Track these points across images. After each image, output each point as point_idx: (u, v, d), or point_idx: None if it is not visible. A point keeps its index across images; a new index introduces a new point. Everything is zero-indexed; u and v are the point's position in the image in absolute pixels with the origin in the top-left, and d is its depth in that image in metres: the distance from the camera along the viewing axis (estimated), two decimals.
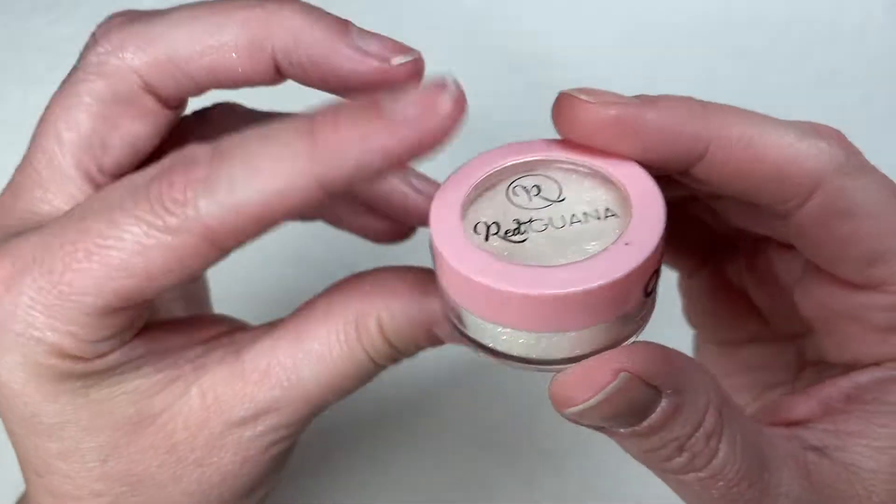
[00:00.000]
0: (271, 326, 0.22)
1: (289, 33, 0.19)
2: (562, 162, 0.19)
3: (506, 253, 0.18)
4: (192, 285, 0.27)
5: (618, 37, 0.41)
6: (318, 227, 0.39)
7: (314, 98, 0.19)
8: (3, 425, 0.21)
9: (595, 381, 0.17)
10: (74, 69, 0.21)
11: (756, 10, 0.41)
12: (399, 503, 0.38)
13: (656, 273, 0.18)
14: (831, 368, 0.22)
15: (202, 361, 0.21)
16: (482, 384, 0.39)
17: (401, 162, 0.17)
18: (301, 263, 0.38)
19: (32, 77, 0.37)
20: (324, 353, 0.21)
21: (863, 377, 0.21)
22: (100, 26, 0.21)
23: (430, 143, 0.17)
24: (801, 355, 0.24)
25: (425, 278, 0.21)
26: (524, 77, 0.39)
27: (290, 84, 0.21)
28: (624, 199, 0.18)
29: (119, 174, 0.21)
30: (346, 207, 0.26)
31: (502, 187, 0.19)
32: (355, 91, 0.20)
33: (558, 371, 0.18)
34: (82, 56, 0.21)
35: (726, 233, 0.26)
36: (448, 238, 0.18)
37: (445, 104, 0.17)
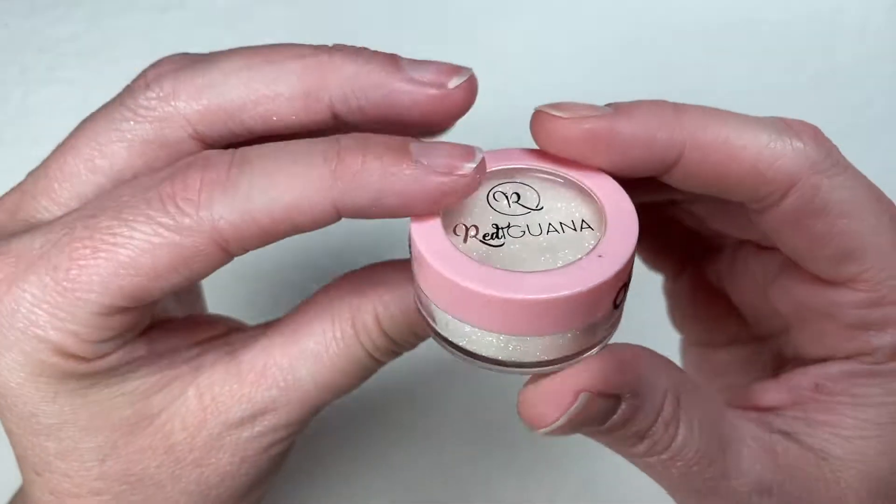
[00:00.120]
0: (267, 326, 0.22)
1: (345, 81, 0.19)
2: (541, 171, 0.20)
3: (483, 256, 0.18)
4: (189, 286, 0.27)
5: (618, 37, 0.41)
6: (319, 231, 0.39)
7: None
8: (2, 424, 0.21)
9: (558, 403, 0.18)
10: (118, 105, 0.21)
11: (756, 10, 0.41)
12: (399, 503, 0.38)
13: (625, 286, 0.18)
14: (808, 364, 0.23)
15: (199, 362, 0.21)
16: (481, 384, 0.39)
17: (414, 208, 0.18)
18: (299, 262, 0.38)
19: (32, 77, 0.37)
20: (320, 352, 0.21)
21: (832, 368, 0.21)
22: (152, 68, 0.21)
23: (444, 198, 0.18)
24: (780, 353, 0.25)
25: None
26: (524, 77, 0.39)
27: None
28: (599, 211, 0.19)
29: None
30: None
31: (483, 192, 0.19)
32: (418, 122, 0.20)
33: (525, 374, 0.18)
34: (130, 94, 0.21)
35: (707, 235, 0.26)
36: (427, 236, 0.18)
37: (468, 169, 0.18)
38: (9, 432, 0.21)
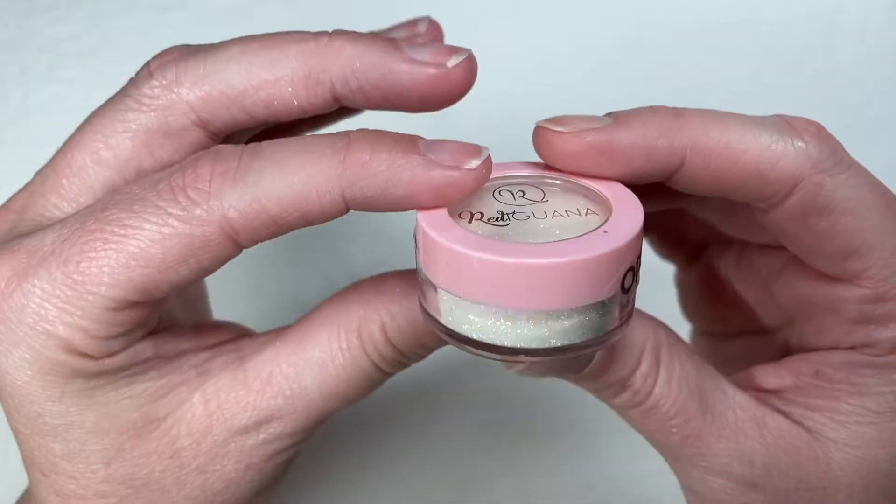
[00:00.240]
0: (275, 334, 0.22)
1: (345, 62, 0.20)
2: (546, 177, 0.20)
3: (487, 233, 0.18)
4: (193, 289, 0.27)
5: (618, 37, 0.41)
6: (319, 230, 0.39)
7: None
8: (9, 424, 0.21)
9: None
10: (123, 96, 0.21)
11: (756, 10, 0.41)
12: (399, 503, 0.38)
13: (633, 272, 0.18)
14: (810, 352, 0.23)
15: (206, 367, 0.21)
16: (482, 384, 0.39)
17: (420, 199, 0.18)
18: (301, 266, 0.38)
19: (32, 77, 0.37)
20: (325, 361, 0.21)
21: (834, 357, 0.22)
22: (155, 59, 0.21)
23: (450, 190, 0.18)
24: (786, 344, 0.25)
25: None
26: (524, 77, 0.39)
27: None
28: (604, 202, 0.19)
29: None
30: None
31: (489, 190, 0.20)
32: (419, 103, 0.20)
33: (534, 363, 0.19)
34: (134, 85, 0.21)
35: (718, 226, 0.26)
36: (432, 219, 0.18)
37: (475, 163, 0.18)
38: (16, 432, 0.21)
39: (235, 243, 0.18)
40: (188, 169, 0.18)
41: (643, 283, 0.21)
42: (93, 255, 0.18)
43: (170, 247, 0.18)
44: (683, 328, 0.29)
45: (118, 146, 0.21)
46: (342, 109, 0.25)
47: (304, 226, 0.18)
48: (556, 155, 0.19)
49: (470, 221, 0.19)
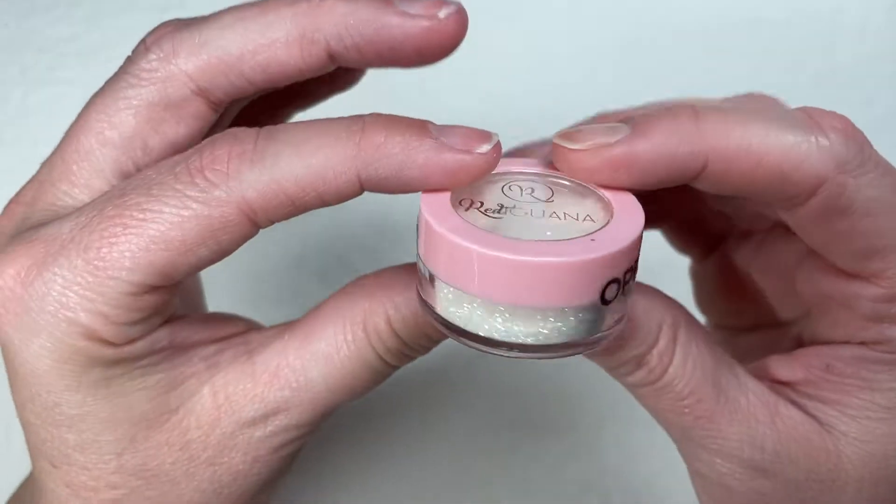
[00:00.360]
0: (283, 328, 0.22)
1: (339, 20, 0.20)
2: (560, 178, 0.20)
3: (480, 223, 0.18)
4: (190, 281, 0.27)
5: (618, 37, 0.41)
6: (318, 228, 0.39)
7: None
8: (18, 415, 0.21)
9: None
10: (122, 74, 0.21)
11: (756, 10, 0.41)
12: (399, 502, 0.38)
13: (618, 284, 0.18)
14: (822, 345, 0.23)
15: (215, 360, 0.21)
16: (482, 384, 0.39)
17: (432, 181, 0.19)
18: (300, 266, 0.38)
19: (32, 77, 0.37)
20: (331, 354, 0.21)
21: (845, 351, 0.22)
22: (150, 34, 0.21)
23: (462, 173, 0.19)
24: (800, 338, 0.25)
25: None
26: (524, 77, 0.39)
27: None
28: (609, 212, 0.19)
29: None
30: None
31: (500, 183, 0.20)
32: (412, 56, 0.20)
33: (514, 358, 0.18)
34: (131, 62, 0.21)
35: (736, 220, 0.26)
36: (432, 203, 0.19)
37: (485, 147, 0.19)
38: (26, 423, 0.21)
39: (253, 223, 0.19)
40: (205, 151, 0.19)
41: (657, 276, 0.21)
42: (113, 240, 0.18)
43: (189, 229, 0.18)
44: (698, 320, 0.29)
45: (122, 124, 0.21)
46: (333, 85, 0.25)
47: (319, 206, 0.19)
48: (575, 171, 0.19)
49: (467, 209, 0.19)
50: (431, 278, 0.19)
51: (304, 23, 0.20)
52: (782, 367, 0.22)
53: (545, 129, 0.22)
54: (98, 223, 0.19)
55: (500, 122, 0.35)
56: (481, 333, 0.18)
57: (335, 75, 0.24)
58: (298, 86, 0.24)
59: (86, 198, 0.21)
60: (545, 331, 0.18)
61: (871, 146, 0.19)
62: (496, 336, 0.18)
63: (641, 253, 0.19)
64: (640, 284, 0.21)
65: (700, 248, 0.28)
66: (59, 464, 0.21)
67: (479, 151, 0.19)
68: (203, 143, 0.19)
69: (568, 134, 0.19)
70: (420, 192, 0.19)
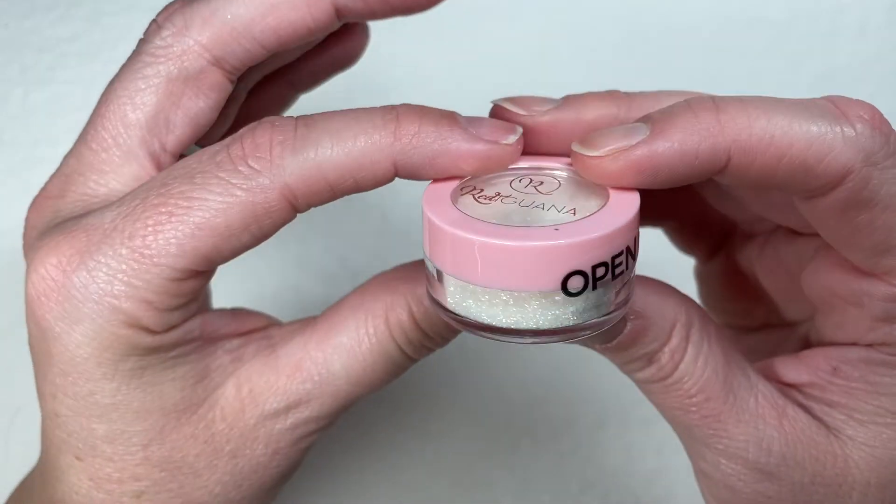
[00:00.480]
0: (304, 323, 0.23)
1: None
2: (572, 173, 0.21)
3: (463, 206, 0.19)
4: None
5: (618, 36, 0.41)
6: (318, 228, 0.39)
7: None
8: (48, 407, 0.21)
9: None
10: (137, 55, 0.22)
11: (756, 10, 0.41)
12: (399, 503, 0.38)
13: (582, 276, 0.18)
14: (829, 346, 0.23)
15: (239, 353, 0.22)
16: (482, 384, 0.39)
17: (463, 169, 0.19)
18: (301, 266, 0.38)
19: (32, 77, 0.37)
20: (353, 347, 0.22)
21: (852, 353, 0.21)
22: (160, 14, 0.22)
23: (491, 161, 0.19)
24: (806, 338, 0.25)
25: None
26: (524, 77, 0.39)
27: None
28: (600, 207, 0.19)
29: (180, 151, 0.22)
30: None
31: (507, 176, 0.21)
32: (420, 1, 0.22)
33: (508, 342, 0.19)
34: (145, 41, 0.22)
35: (740, 220, 0.26)
36: (435, 191, 0.19)
37: (511, 139, 0.20)
38: (54, 416, 0.21)
39: (294, 208, 0.19)
40: (246, 139, 0.19)
41: (662, 277, 0.21)
42: (159, 227, 0.19)
43: (234, 215, 0.19)
44: None
45: (144, 104, 0.21)
46: (336, 61, 0.26)
47: (355, 191, 0.19)
48: (597, 177, 0.19)
49: (460, 193, 0.20)
50: (433, 271, 0.19)
51: None
52: (788, 369, 0.22)
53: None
54: (142, 211, 0.19)
55: None
56: (484, 321, 0.18)
57: (338, 41, 0.25)
58: (301, 66, 0.25)
59: (118, 185, 0.21)
60: (534, 317, 0.18)
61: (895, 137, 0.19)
62: (485, 320, 0.18)
63: (646, 253, 0.19)
64: (655, 281, 0.21)
65: (704, 249, 0.28)
66: (84, 456, 0.21)
67: (505, 142, 0.19)
68: (242, 131, 0.20)
69: (586, 140, 0.19)
70: (425, 187, 0.20)
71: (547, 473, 0.38)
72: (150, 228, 0.19)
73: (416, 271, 0.22)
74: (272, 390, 0.21)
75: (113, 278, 0.19)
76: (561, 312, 0.18)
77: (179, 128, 0.22)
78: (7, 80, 0.37)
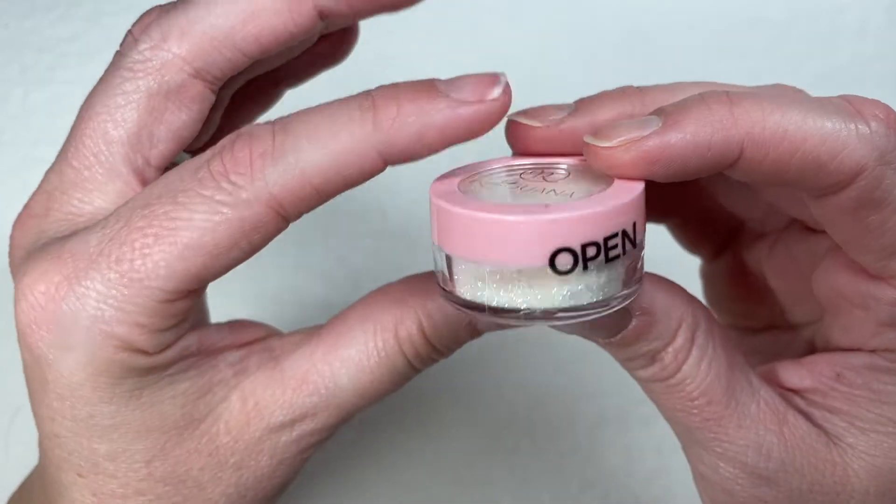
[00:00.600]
0: (307, 334, 0.22)
1: None
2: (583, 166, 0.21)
3: (463, 187, 0.19)
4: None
5: (618, 36, 0.41)
6: (319, 231, 0.39)
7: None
8: (45, 428, 0.20)
9: None
10: (114, 69, 0.21)
11: (756, 10, 0.41)
12: (399, 503, 0.38)
13: (571, 253, 0.17)
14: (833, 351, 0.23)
15: (242, 366, 0.21)
16: (482, 384, 0.39)
17: (453, 139, 0.19)
18: (301, 267, 0.38)
19: (32, 77, 0.37)
20: (361, 361, 0.21)
21: (855, 359, 0.21)
22: (135, 25, 0.21)
23: (481, 123, 0.18)
24: (811, 342, 0.25)
25: None
26: (524, 77, 0.39)
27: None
28: (599, 193, 0.19)
29: (165, 164, 0.22)
30: None
31: (517, 170, 0.21)
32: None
33: (516, 326, 0.19)
34: (122, 55, 0.21)
35: (749, 219, 0.26)
36: (441, 183, 0.19)
37: (496, 91, 0.19)
38: (52, 437, 0.20)
39: (283, 218, 0.19)
40: (225, 154, 0.19)
41: (666, 276, 0.21)
42: (146, 251, 0.18)
43: (221, 233, 0.18)
44: None
45: (125, 121, 0.21)
46: (324, 59, 0.26)
47: (346, 189, 0.19)
48: (609, 168, 0.19)
49: (470, 182, 0.19)
50: (443, 258, 0.19)
51: None
52: (791, 373, 0.22)
53: None
54: (127, 234, 0.19)
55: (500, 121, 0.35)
56: (496, 304, 0.18)
57: (326, 44, 0.24)
58: (288, 63, 0.24)
59: (103, 203, 0.21)
60: (546, 295, 0.18)
61: None
62: (495, 303, 0.18)
63: (652, 251, 0.19)
64: (663, 279, 0.21)
65: (710, 248, 0.28)
66: (86, 473, 0.21)
67: (491, 98, 0.18)
68: (221, 143, 0.19)
69: (598, 132, 0.19)
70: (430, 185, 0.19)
71: (547, 473, 0.38)
72: (136, 252, 0.18)
73: (424, 283, 0.22)
74: (278, 403, 0.21)
75: (103, 304, 0.18)
76: (556, 292, 0.18)
77: (163, 142, 0.21)
78: (7, 80, 0.37)
